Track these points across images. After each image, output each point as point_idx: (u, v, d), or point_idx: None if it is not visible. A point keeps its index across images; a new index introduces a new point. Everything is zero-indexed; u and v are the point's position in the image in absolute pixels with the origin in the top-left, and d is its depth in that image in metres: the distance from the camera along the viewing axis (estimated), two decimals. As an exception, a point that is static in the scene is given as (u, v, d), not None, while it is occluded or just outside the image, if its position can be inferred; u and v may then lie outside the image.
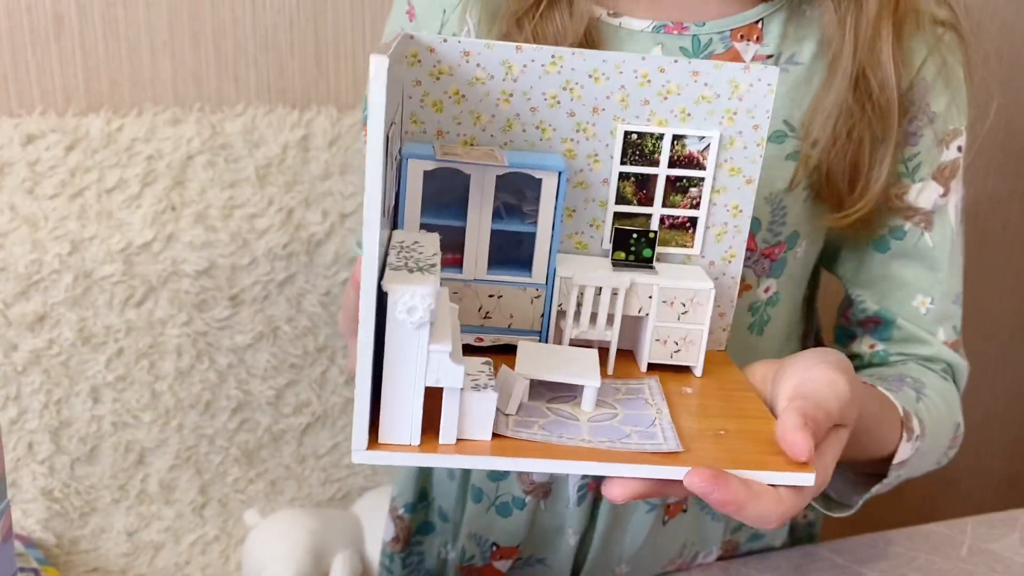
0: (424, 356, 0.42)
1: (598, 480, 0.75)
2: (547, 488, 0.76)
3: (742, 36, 0.66)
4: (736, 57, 0.66)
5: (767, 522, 0.45)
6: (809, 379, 0.49)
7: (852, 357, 0.77)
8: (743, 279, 0.67)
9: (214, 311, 1.02)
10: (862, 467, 0.67)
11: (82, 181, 0.98)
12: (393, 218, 0.49)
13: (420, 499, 0.84)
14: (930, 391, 0.71)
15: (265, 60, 1.05)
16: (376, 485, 1.13)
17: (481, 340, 0.53)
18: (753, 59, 0.67)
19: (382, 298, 0.42)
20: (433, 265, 0.44)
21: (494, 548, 0.79)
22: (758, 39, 0.67)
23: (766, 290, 0.73)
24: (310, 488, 1.11)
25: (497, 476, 0.77)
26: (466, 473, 0.79)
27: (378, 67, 0.38)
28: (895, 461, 0.64)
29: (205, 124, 1.02)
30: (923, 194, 0.71)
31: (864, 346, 0.76)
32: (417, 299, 0.41)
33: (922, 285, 0.73)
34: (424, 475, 0.83)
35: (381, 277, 0.42)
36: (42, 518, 1.01)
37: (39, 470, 1.00)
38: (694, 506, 0.78)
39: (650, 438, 0.46)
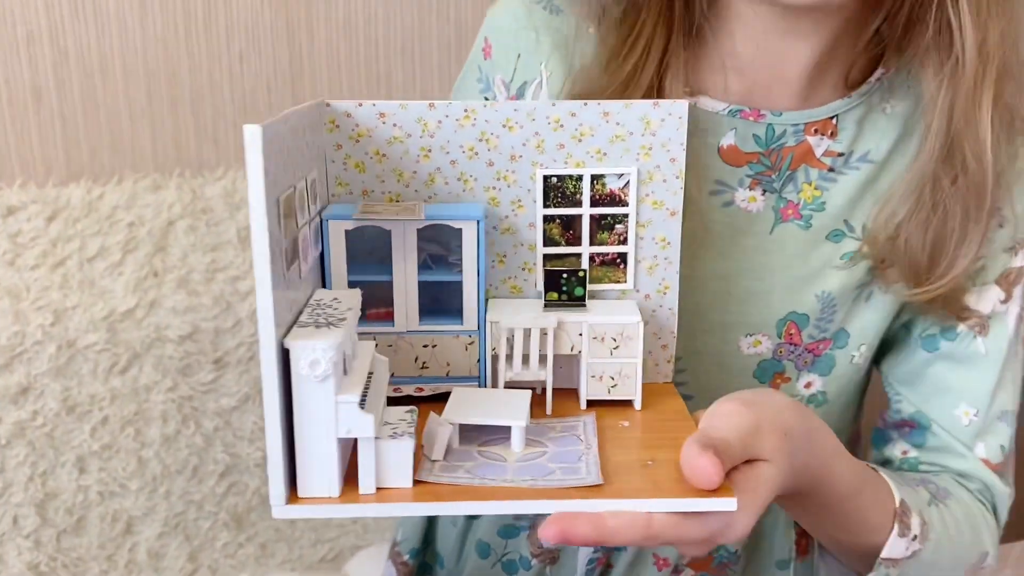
0: (332, 408, 0.43)
1: (608, 554, 0.74)
2: (555, 555, 0.75)
3: (816, 130, 0.65)
4: (808, 150, 0.65)
5: (685, 544, 0.44)
6: (710, 414, 0.48)
7: (884, 463, 0.72)
8: (782, 371, 0.66)
9: (199, 375, 1.01)
10: (856, 562, 0.64)
11: (64, 251, 0.98)
12: (321, 277, 0.50)
13: (425, 544, 0.83)
14: (953, 504, 0.65)
15: (244, 123, 1.06)
16: (367, 544, 1.12)
17: (421, 390, 0.54)
18: (824, 154, 0.66)
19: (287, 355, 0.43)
20: (343, 319, 0.45)
21: None
22: (832, 134, 0.65)
23: (807, 385, 0.69)
24: (301, 550, 1.10)
25: (507, 534, 0.76)
26: (468, 524, 0.78)
27: (252, 135, 0.40)
28: (883, 555, 0.60)
29: (186, 189, 1.02)
30: (983, 297, 0.67)
31: (896, 451, 0.71)
32: (319, 352, 0.42)
33: (967, 394, 0.67)
34: (430, 521, 0.82)
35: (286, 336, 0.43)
36: (29, 593, 0.99)
37: (24, 544, 0.99)
38: None
39: (574, 473, 0.47)
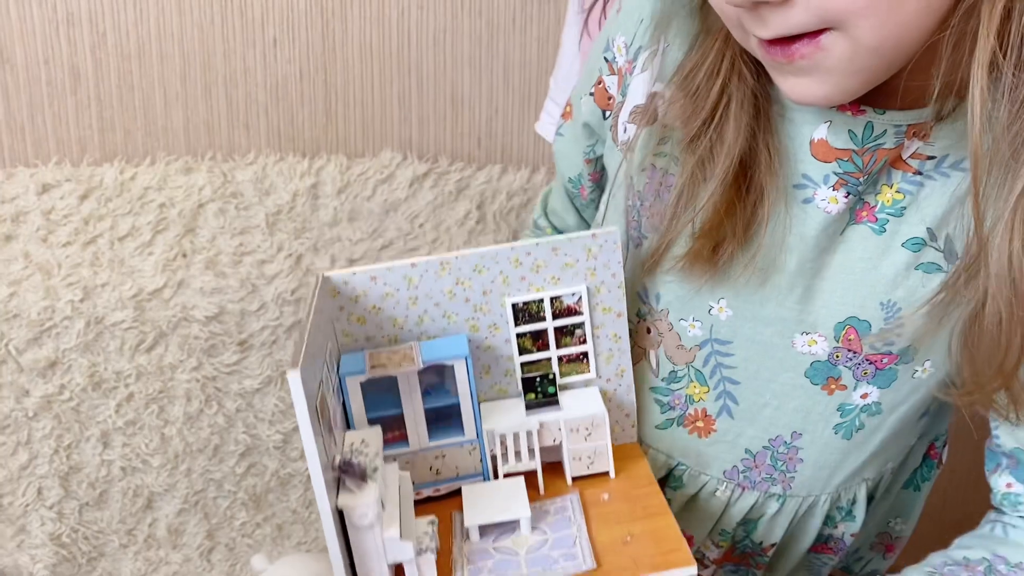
0: (381, 543, 0.55)
1: None
2: None
3: (914, 133, 0.59)
4: (901, 152, 0.60)
5: None
6: None
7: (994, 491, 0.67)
8: (837, 377, 0.66)
9: (223, 356, 1.03)
10: None
11: (95, 229, 1.00)
12: (346, 421, 0.62)
13: None
14: None
15: (276, 109, 1.07)
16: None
17: (438, 491, 0.65)
18: (912, 156, 0.59)
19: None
20: (376, 468, 0.56)
21: None
22: (924, 136, 0.59)
23: (863, 396, 0.66)
24: (317, 532, 1.11)
25: None
26: None
27: (294, 381, 0.49)
28: None
29: (217, 173, 1.04)
30: None
31: (1001, 483, 0.65)
32: (365, 508, 0.53)
33: None
34: None
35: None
36: (50, 563, 1.01)
37: (48, 515, 1.01)
38: None
39: (572, 559, 0.58)
